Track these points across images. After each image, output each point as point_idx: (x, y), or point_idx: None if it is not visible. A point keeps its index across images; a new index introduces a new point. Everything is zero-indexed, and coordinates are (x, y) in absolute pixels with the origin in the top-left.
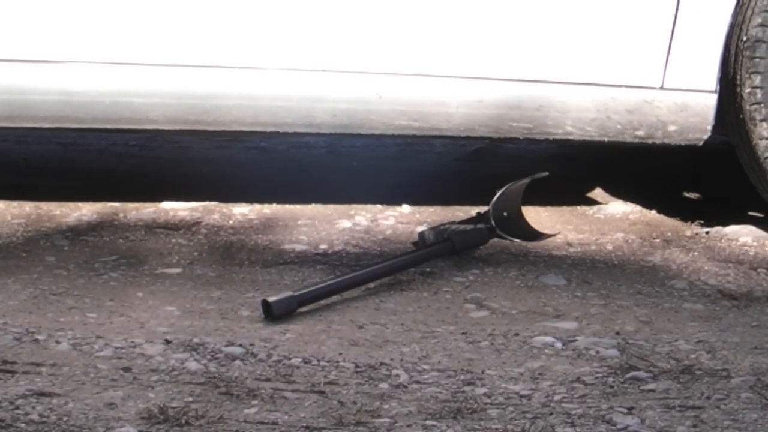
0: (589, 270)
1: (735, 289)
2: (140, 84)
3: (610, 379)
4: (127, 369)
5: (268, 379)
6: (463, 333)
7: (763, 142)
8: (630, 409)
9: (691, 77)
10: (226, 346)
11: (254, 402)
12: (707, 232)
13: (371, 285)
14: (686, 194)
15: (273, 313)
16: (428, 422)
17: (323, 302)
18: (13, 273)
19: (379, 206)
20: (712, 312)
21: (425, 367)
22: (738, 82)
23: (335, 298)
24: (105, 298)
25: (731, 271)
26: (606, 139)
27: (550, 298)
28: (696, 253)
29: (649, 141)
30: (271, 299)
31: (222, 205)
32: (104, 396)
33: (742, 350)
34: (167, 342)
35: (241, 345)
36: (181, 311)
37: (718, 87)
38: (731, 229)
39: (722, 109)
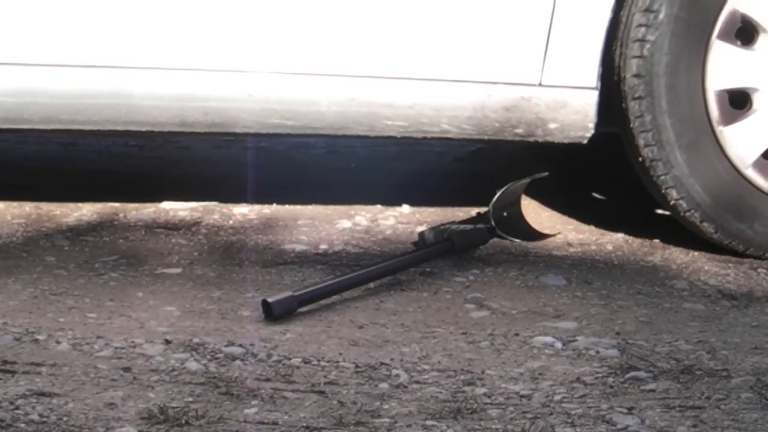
0: (589, 270)
1: (735, 289)
2: (12, 83)
3: (610, 379)
4: (127, 369)
5: (268, 379)
6: (463, 333)
7: (641, 138)
8: (630, 409)
9: (571, 74)
10: (226, 346)
11: (254, 402)
12: None
13: (371, 285)
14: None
15: (273, 313)
16: (428, 422)
17: (323, 302)
18: (13, 273)
19: (379, 206)
20: (712, 312)
21: (425, 367)
22: (620, 79)
23: (335, 298)
24: (105, 298)
25: (731, 271)
26: (486, 137)
27: (550, 298)
28: (696, 253)
29: (531, 139)
30: (271, 299)
31: (222, 205)
32: (104, 396)
33: (742, 350)
34: (167, 342)
35: (241, 345)
36: (181, 311)
37: (600, 84)
38: None
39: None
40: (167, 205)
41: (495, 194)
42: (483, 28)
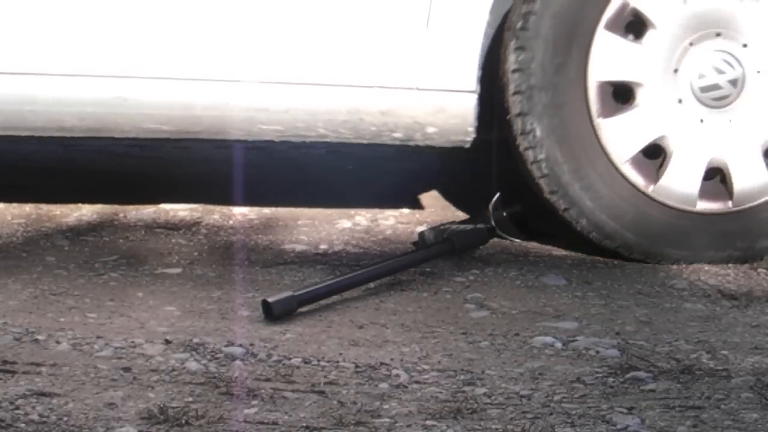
0: (589, 270)
1: (735, 289)
2: None
3: (610, 379)
4: (127, 369)
5: (268, 379)
6: (463, 333)
7: (523, 141)
8: (630, 409)
9: (448, 78)
10: (226, 346)
11: (254, 402)
12: None
13: (371, 285)
14: None
15: (273, 313)
16: (428, 422)
17: (323, 302)
18: (13, 273)
19: (379, 206)
20: (712, 312)
21: (425, 367)
22: (502, 72)
23: (335, 298)
24: (105, 298)
25: (731, 271)
26: (364, 141)
27: (550, 298)
28: None
29: (411, 143)
30: (271, 299)
31: (222, 205)
32: (104, 396)
33: (742, 350)
34: (167, 342)
35: (241, 345)
36: (181, 311)
37: (479, 87)
38: None
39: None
40: (167, 205)
41: (495, 194)
42: (357, 32)
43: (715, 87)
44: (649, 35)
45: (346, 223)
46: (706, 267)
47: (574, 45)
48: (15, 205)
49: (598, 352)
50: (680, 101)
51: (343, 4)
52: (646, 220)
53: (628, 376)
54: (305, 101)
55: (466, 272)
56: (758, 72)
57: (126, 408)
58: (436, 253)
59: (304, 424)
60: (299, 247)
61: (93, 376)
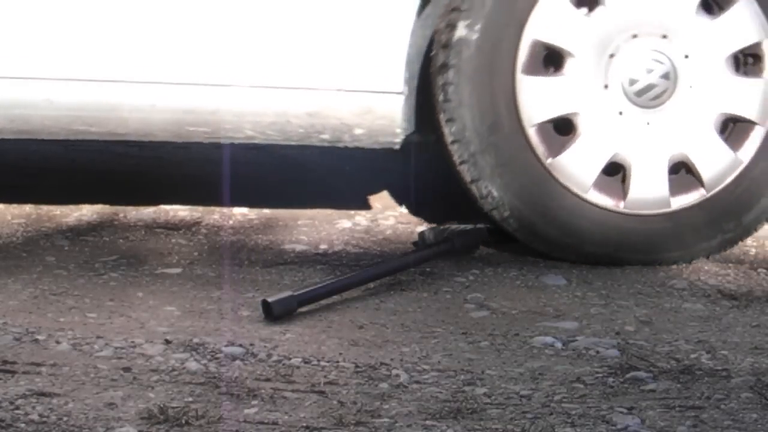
0: (589, 270)
1: (735, 289)
2: None
3: (610, 379)
4: (127, 369)
5: (268, 379)
6: (463, 333)
7: (485, 204)
8: (630, 409)
9: (374, 79)
10: (226, 346)
11: (254, 402)
12: None
13: (371, 285)
14: None
15: (273, 313)
16: (428, 422)
17: (323, 302)
18: (13, 273)
19: (378, 206)
20: (712, 312)
21: (425, 367)
22: (432, 83)
23: (335, 298)
24: (105, 298)
25: (731, 271)
26: (293, 143)
27: (550, 298)
28: None
29: (340, 144)
30: (271, 299)
31: (222, 205)
32: (104, 396)
33: (742, 350)
34: (167, 342)
35: (241, 345)
36: (181, 311)
37: (407, 88)
38: None
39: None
40: (167, 206)
41: None
42: (282, 33)
43: (650, 87)
44: (568, 64)
45: (346, 223)
46: (706, 267)
47: (501, 93)
48: (15, 205)
49: (598, 352)
50: (621, 113)
51: (267, 6)
52: (621, 233)
53: (628, 376)
54: (232, 103)
55: (466, 272)
56: (690, 86)
57: (126, 408)
58: (436, 253)
59: (304, 424)
60: (299, 247)
61: (93, 376)
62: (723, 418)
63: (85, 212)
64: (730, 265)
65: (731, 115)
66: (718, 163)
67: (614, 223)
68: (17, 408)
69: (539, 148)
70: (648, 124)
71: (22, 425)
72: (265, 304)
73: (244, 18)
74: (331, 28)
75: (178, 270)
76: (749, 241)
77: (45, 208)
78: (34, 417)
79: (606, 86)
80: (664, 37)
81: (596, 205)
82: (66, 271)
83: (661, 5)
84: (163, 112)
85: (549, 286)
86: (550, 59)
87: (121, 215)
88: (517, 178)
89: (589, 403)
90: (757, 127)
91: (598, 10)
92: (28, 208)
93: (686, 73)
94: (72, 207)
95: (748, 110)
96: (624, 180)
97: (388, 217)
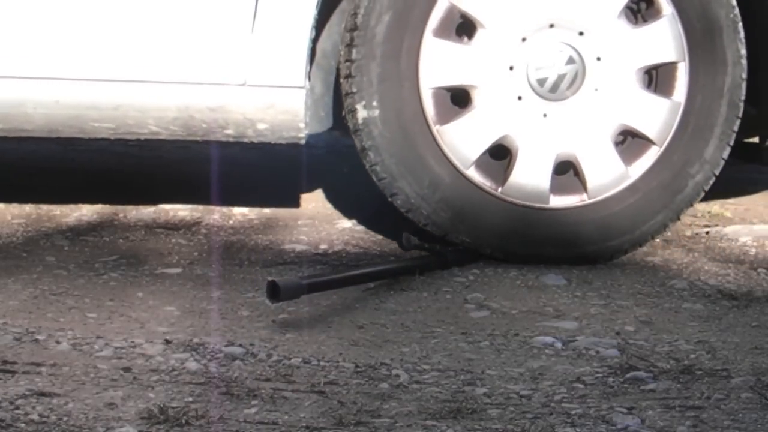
0: (589, 270)
1: (735, 289)
2: None
3: (610, 379)
4: (127, 369)
5: (268, 379)
6: (463, 333)
7: (357, 137)
8: (630, 409)
9: (276, 74)
10: (226, 346)
11: (254, 402)
12: (707, 232)
13: (371, 285)
14: None
15: (279, 296)
16: (428, 422)
17: (323, 303)
18: (13, 273)
19: (376, 206)
20: (712, 312)
21: (425, 367)
22: (337, 76)
23: (335, 298)
24: (105, 298)
25: (731, 271)
26: (198, 138)
27: (550, 298)
28: (696, 254)
29: (245, 139)
30: (279, 280)
31: (222, 205)
32: (104, 396)
33: (742, 350)
34: (167, 342)
35: (241, 345)
36: (181, 311)
37: (308, 83)
38: (731, 229)
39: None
40: (167, 205)
41: None
42: (182, 28)
43: (555, 80)
44: (479, 36)
45: (346, 223)
46: (706, 267)
47: (405, 52)
48: (15, 205)
49: (598, 352)
50: (520, 98)
51: (170, 3)
52: (494, 218)
53: (628, 376)
54: (134, 98)
55: (466, 272)
56: (598, 59)
57: (126, 408)
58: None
59: (304, 424)
60: (299, 247)
61: (93, 376)
62: (723, 418)
63: (85, 212)
64: (730, 265)
65: (631, 128)
66: (606, 173)
67: (490, 207)
68: (17, 408)
69: (430, 112)
70: (545, 115)
71: (22, 425)
72: (273, 286)
73: (145, 13)
74: (230, 22)
75: (178, 270)
76: (749, 240)
77: (45, 208)
78: (34, 417)
79: (511, 68)
80: (581, 34)
81: (475, 184)
82: (66, 271)
83: (584, 1)
84: (67, 108)
85: (549, 286)
86: (464, 28)
87: (121, 215)
88: (405, 140)
89: (589, 403)
90: (653, 147)
91: None
92: (28, 207)
93: (595, 75)
94: (72, 207)
95: (648, 128)
96: (508, 166)
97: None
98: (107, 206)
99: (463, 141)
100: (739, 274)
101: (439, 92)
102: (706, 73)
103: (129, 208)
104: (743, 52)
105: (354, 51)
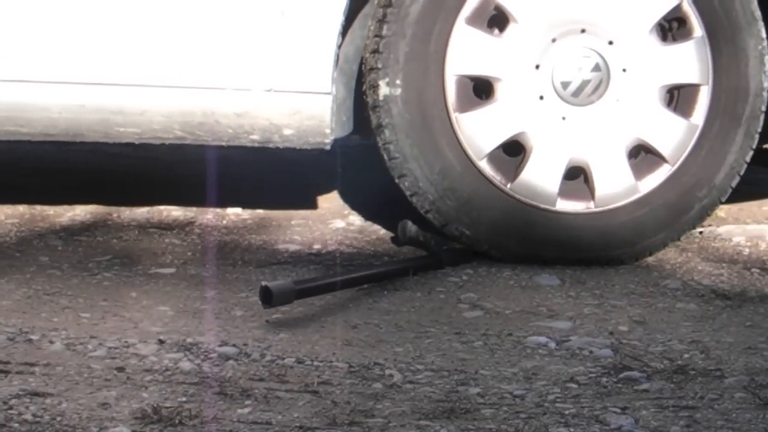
0: (583, 270)
1: (728, 289)
2: None
3: (604, 379)
4: (120, 369)
5: (261, 379)
6: (456, 333)
7: (390, 142)
8: (623, 409)
9: (303, 80)
10: (219, 346)
11: (248, 402)
12: (701, 232)
13: (365, 285)
14: None
15: (272, 301)
16: (422, 422)
17: (316, 303)
18: (6, 273)
19: (373, 206)
20: (705, 312)
21: (419, 366)
22: (365, 84)
23: (329, 298)
24: (98, 298)
25: (725, 271)
26: (224, 143)
27: (544, 298)
28: (690, 254)
29: (270, 145)
30: (272, 285)
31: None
32: (98, 396)
33: (736, 350)
34: (161, 342)
35: (234, 345)
36: (174, 311)
37: (335, 89)
38: (725, 229)
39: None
40: (161, 206)
41: None
42: (209, 34)
43: (582, 85)
44: (511, 29)
45: (339, 223)
46: (700, 267)
47: (435, 38)
48: (8, 205)
49: (591, 351)
50: (541, 98)
51: (196, 6)
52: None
53: (621, 376)
54: (160, 103)
55: (460, 272)
56: (624, 70)
57: (119, 408)
58: (437, 258)
59: (298, 424)
60: (293, 247)
61: (86, 376)
62: (716, 417)
63: (79, 212)
64: (724, 265)
65: (646, 144)
66: (616, 184)
67: (496, 202)
68: (11, 408)
69: (451, 99)
70: (563, 118)
71: (16, 425)
72: (265, 290)
73: (172, 18)
74: (258, 29)
75: (171, 270)
76: (742, 240)
77: (38, 208)
78: (28, 417)
79: (537, 66)
80: (611, 43)
81: (485, 176)
82: (59, 271)
83: (618, 11)
84: (93, 112)
85: (542, 286)
86: (496, 21)
87: (115, 215)
88: (423, 122)
89: (582, 403)
90: (665, 165)
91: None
92: (21, 208)
93: (618, 85)
94: (65, 207)
95: (663, 145)
96: (520, 163)
97: (382, 216)
98: (101, 206)
99: (480, 132)
100: (732, 274)
101: (462, 80)
102: (727, 100)
103: (122, 208)
104: (766, 85)
105: (385, 27)
